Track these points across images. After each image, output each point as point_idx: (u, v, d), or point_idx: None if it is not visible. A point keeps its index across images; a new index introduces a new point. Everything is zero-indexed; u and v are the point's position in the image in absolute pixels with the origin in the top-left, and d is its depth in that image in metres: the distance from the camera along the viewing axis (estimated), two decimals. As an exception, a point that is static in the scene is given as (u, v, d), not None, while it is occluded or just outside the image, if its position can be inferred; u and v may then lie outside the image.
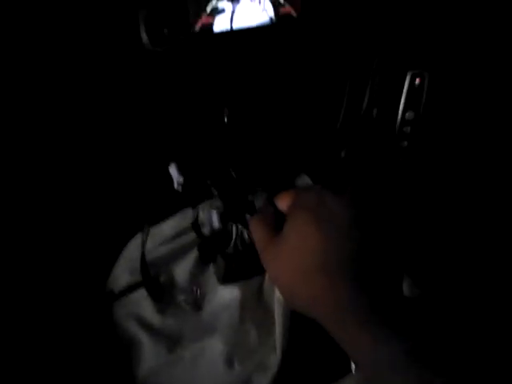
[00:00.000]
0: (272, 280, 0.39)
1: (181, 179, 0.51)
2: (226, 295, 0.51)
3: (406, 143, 0.49)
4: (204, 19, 0.45)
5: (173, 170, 0.51)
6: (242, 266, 0.51)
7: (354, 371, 0.43)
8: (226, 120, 0.51)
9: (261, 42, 0.48)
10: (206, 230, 0.53)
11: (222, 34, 0.45)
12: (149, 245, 0.54)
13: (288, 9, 0.48)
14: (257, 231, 0.38)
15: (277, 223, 0.37)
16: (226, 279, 0.52)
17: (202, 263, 0.54)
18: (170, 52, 0.44)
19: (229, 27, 0.46)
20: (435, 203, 0.51)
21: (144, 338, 0.49)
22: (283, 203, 0.38)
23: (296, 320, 0.47)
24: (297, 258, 0.32)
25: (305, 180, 0.55)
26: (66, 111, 0.51)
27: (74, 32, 0.46)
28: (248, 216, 0.50)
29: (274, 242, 0.35)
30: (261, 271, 0.51)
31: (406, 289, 0.47)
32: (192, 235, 0.54)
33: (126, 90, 0.49)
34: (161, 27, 0.41)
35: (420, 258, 0.49)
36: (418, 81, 0.47)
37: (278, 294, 0.49)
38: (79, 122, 0.50)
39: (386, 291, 0.31)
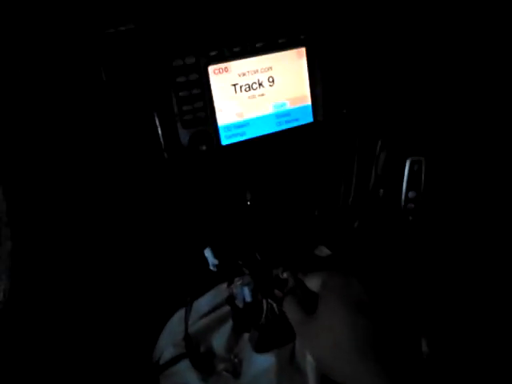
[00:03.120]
0: (311, 354, 0.44)
1: (215, 261, 0.57)
2: (262, 362, 0.56)
3: (411, 218, 0.56)
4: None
5: (208, 254, 0.58)
6: (274, 336, 0.57)
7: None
8: (248, 203, 0.58)
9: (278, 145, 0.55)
10: (239, 304, 0.58)
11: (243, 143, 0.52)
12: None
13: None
14: (290, 310, 0.45)
15: (306, 302, 0.44)
16: (260, 348, 0.57)
17: (236, 334, 0.59)
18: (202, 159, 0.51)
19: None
20: (441, 268, 0.57)
21: (191, 405, 0.54)
22: (313, 284, 0.45)
23: (327, 381, 0.52)
24: (332, 337, 0.39)
25: (323, 251, 0.62)
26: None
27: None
28: (276, 291, 0.56)
29: (308, 321, 0.42)
30: (291, 339, 0.57)
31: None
32: (226, 309, 0.60)
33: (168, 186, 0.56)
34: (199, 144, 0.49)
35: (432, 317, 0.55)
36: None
37: (309, 357, 0.54)
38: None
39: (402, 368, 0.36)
